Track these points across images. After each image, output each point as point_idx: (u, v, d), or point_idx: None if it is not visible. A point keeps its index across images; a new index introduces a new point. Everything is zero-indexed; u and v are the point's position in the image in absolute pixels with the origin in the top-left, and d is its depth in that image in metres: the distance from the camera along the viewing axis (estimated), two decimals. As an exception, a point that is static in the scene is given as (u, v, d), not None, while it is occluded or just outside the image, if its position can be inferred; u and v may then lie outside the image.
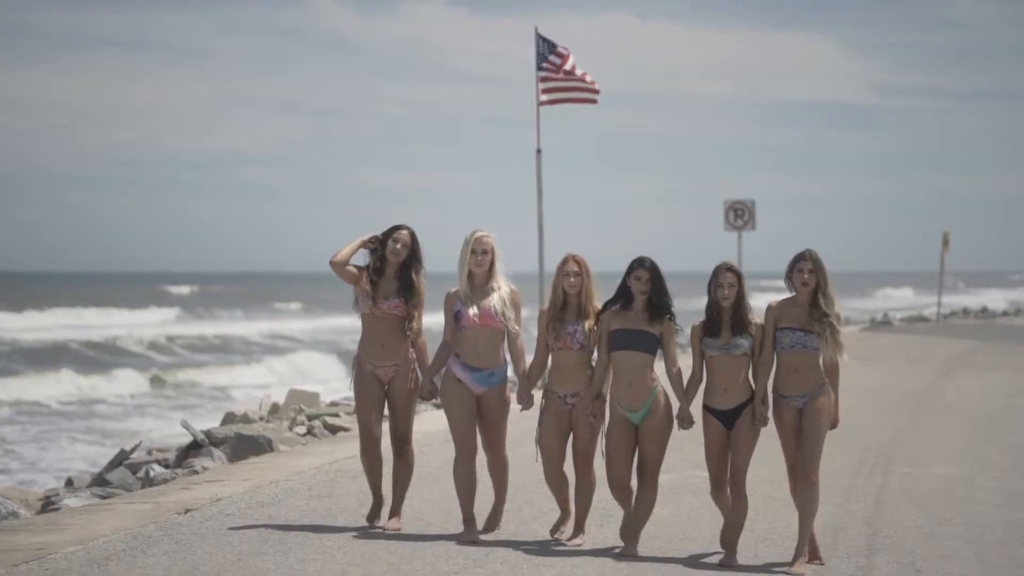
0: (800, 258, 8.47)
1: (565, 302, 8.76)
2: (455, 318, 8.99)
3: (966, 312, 57.50)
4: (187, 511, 9.69)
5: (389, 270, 9.26)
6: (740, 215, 31.41)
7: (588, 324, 8.67)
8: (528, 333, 9.36)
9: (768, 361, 8.46)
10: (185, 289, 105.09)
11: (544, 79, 21.73)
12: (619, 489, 8.65)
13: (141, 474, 13.27)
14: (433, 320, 9.19)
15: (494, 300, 8.95)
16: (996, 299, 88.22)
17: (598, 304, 8.72)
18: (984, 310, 59.02)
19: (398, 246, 9.23)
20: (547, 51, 21.52)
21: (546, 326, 8.75)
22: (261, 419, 16.69)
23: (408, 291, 9.19)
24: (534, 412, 8.93)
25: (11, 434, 24.87)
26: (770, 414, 8.43)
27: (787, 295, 8.55)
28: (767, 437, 8.56)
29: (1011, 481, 11.74)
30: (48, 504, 12.12)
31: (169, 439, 20.30)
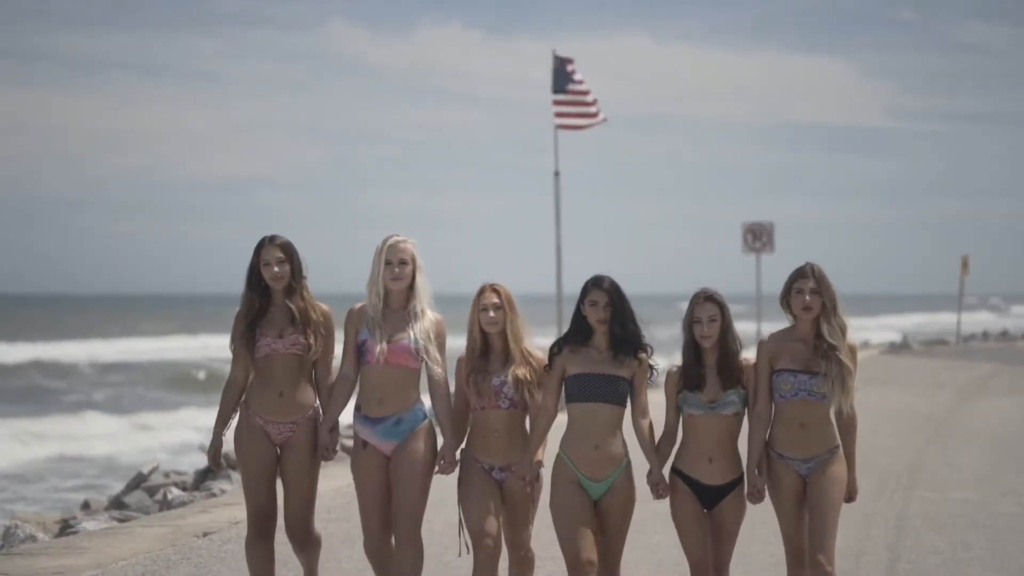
0: (799, 275, 6.55)
1: (486, 346, 6.89)
2: (358, 348, 7.02)
3: (986, 335, 57.22)
4: (205, 534, 9.70)
5: (277, 298, 7.10)
6: (758, 237, 31.23)
7: (520, 372, 6.79)
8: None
9: (764, 413, 6.56)
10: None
11: (561, 103, 21.86)
12: (584, 570, 6.58)
13: (159, 497, 13.28)
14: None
15: (414, 331, 6.94)
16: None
17: (530, 347, 6.92)
18: (1004, 333, 58.69)
19: (275, 269, 7.06)
20: (566, 78, 21.71)
21: (466, 377, 6.88)
22: (279, 442, 16.67)
23: (296, 319, 7.05)
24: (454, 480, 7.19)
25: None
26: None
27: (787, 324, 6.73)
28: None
29: (1033, 506, 11.65)
30: (66, 527, 12.12)
31: (187, 462, 20.31)
